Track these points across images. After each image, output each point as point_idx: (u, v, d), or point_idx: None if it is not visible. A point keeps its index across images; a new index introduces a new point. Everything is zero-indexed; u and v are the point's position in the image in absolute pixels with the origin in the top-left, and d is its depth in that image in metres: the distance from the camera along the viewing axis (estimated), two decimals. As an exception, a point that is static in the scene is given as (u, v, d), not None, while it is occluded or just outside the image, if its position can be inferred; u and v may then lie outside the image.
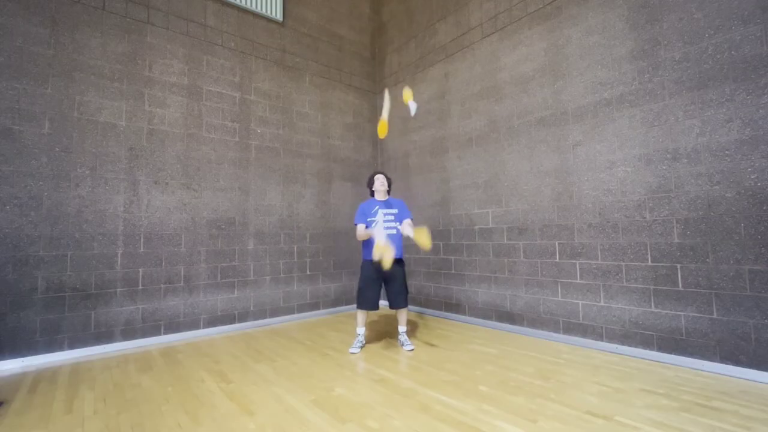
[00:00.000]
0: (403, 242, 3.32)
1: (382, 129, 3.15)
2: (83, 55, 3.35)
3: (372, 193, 3.40)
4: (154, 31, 3.74)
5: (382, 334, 3.75)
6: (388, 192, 3.40)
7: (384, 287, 3.27)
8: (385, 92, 3.41)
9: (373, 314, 4.77)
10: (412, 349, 3.16)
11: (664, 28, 2.86)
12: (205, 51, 4.05)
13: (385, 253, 2.78)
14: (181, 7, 3.93)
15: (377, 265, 3.09)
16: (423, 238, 2.83)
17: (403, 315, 3.30)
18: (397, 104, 5.33)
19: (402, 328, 3.33)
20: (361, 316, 3.28)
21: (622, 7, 3.09)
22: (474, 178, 4.20)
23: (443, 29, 4.69)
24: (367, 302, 3.19)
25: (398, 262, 3.21)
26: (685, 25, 2.76)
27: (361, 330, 3.29)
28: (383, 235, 2.95)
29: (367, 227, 3.20)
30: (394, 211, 3.29)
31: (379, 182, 3.33)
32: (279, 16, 4.64)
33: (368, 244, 3.22)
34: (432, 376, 2.59)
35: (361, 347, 3.23)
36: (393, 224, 3.23)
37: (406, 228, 3.04)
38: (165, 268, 3.65)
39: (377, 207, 3.25)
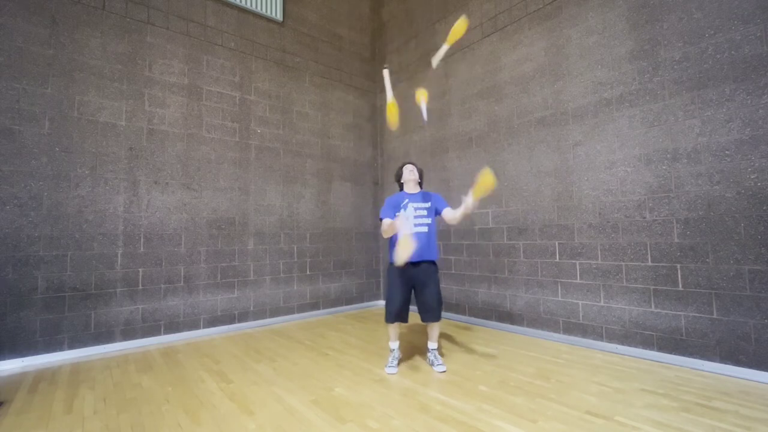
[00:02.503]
0: (437, 242, 2.88)
1: (392, 114, 2.76)
2: (83, 55, 3.35)
3: (401, 187, 2.96)
4: (154, 31, 3.74)
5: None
6: (420, 184, 2.95)
7: (414, 295, 2.79)
8: (385, 73, 2.96)
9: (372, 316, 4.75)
10: (444, 371, 2.68)
11: (664, 28, 2.86)
12: (205, 51, 4.05)
13: (407, 249, 2.29)
14: (181, 7, 3.93)
15: (406, 270, 2.68)
16: (484, 182, 2.30)
17: (435, 330, 2.81)
18: (399, 104, 5.33)
19: (432, 344, 2.83)
20: (392, 329, 2.80)
21: (622, 7, 3.09)
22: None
23: (443, 29, 4.69)
24: (394, 314, 2.72)
25: (431, 265, 2.75)
26: (685, 25, 2.76)
27: (394, 345, 2.81)
28: (410, 226, 2.52)
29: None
30: (427, 205, 2.78)
31: (408, 171, 2.89)
32: (279, 16, 4.64)
33: (396, 243, 2.66)
34: (432, 376, 2.59)
35: (398, 364, 2.80)
36: (425, 221, 2.73)
37: (466, 203, 2.45)
38: (165, 268, 3.65)
39: (407, 200, 2.79)
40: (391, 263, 2.70)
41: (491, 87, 4.09)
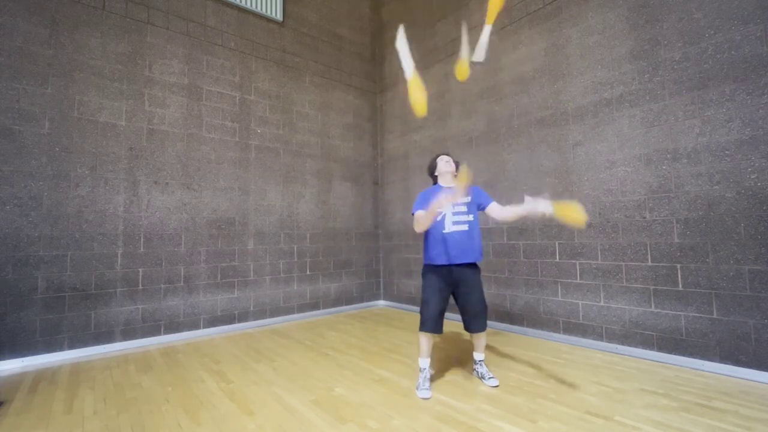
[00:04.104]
0: (482, 242, 2.52)
1: (416, 94, 2.24)
2: (83, 55, 3.35)
3: (434, 180, 2.66)
4: (154, 31, 3.74)
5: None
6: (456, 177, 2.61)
7: (455, 301, 2.49)
8: (400, 35, 2.29)
9: (382, 316, 4.76)
10: (497, 385, 2.40)
11: (664, 28, 2.86)
12: (205, 51, 4.05)
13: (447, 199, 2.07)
14: (181, 7, 3.93)
15: (447, 272, 2.41)
16: (574, 214, 2.09)
17: (482, 339, 2.52)
18: (399, 104, 5.33)
19: (479, 355, 2.55)
20: (425, 341, 2.41)
21: (622, 7, 3.09)
22: (474, 178, 4.20)
23: (443, 29, 4.69)
24: (432, 322, 2.36)
25: (474, 267, 2.46)
26: (685, 25, 2.76)
27: (425, 363, 2.41)
28: (449, 224, 2.31)
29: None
30: (467, 199, 2.45)
31: (444, 162, 2.55)
32: (279, 16, 4.64)
33: (432, 242, 2.44)
34: (434, 376, 2.59)
35: (431, 385, 2.40)
36: (466, 218, 2.41)
37: (531, 206, 2.21)
38: (165, 268, 3.65)
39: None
40: (426, 264, 2.48)
41: (491, 87, 4.08)
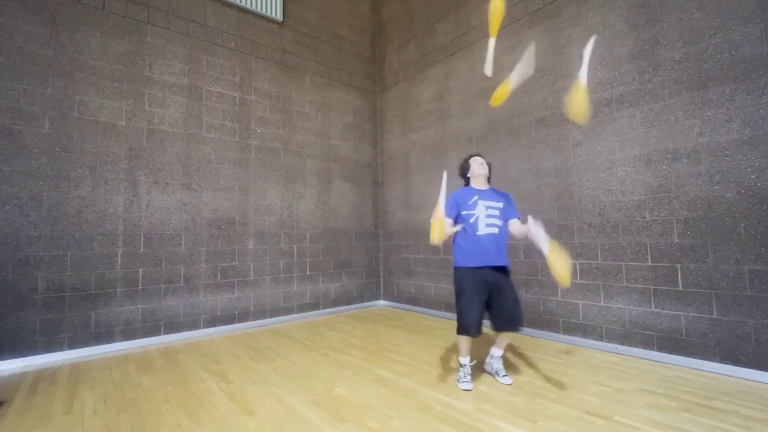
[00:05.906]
0: (508, 244, 2.54)
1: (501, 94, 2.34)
2: (83, 55, 3.35)
3: (467, 182, 2.63)
4: (154, 31, 3.74)
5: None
6: (489, 180, 2.62)
7: (489, 302, 2.42)
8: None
9: (382, 316, 4.76)
10: (510, 383, 2.42)
11: (664, 28, 2.86)
12: (205, 51, 4.05)
13: (437, 229, 2.18)
14: (181, 7, 3.93)
15: (482, 274, 2.39)
16: (563, 269, 2.11)
17: (507, 338, 2.55)
18: (399, 104, 5.33)
19: (498, 351, 2.55)
20: (465, 342, 2.44)
21: (622, 7, 3.09)
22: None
23: (443, 29, 4.69)
24: (475, 327, 2.33)
25: (503, 270, 2.46)
26: (685, 25, 2.76)
27: (466, 360, 2.46)
28: (482, 226, 2.40)
29: (457, 222, 2.47)
30: (500, 204, 2.48)
31: (478, 164, 2.56)
32: (279, 16, 4.64)
33: (465, 244, 2.45)
34: (432, 376, 2.59)
35: (471, 378, 2.45)
36: (497, 221, 2.44)
37: (534, 230, 2.26)
38: (165, 268, 3.65)
39: (476, 197, 2.47)
40: (457, 267, 2.46)
41: (491, 87, 4.07)
